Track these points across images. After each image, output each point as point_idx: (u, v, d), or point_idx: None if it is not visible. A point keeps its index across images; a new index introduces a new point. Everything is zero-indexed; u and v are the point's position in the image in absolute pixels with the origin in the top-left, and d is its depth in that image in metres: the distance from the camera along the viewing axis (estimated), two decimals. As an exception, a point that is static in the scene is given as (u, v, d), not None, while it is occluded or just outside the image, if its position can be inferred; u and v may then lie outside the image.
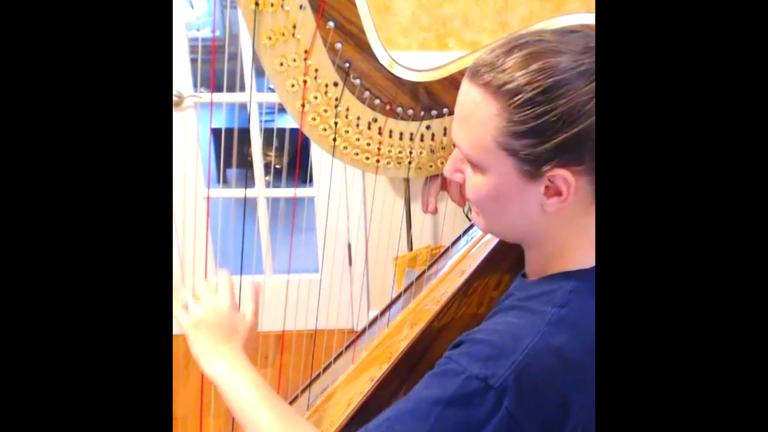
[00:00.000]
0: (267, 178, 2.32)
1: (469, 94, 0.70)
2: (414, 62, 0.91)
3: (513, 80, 0.66)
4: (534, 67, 0.65)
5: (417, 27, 2.06)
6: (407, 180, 2.06)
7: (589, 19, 0.87)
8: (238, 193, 2.40)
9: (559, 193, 0.69)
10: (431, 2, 2.04)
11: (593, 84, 0.65)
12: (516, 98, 0.66)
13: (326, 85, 0.88)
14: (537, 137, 0.66)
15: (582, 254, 0.74)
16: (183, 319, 0.86)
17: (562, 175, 0.68)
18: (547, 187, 0.70)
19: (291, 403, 1.10)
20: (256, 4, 0.81)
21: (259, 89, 2.26)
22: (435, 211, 0.97)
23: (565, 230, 0.74)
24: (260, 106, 2.34)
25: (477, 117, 0.69)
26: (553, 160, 0.67)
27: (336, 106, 0.89)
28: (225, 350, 0.82)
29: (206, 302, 0.87)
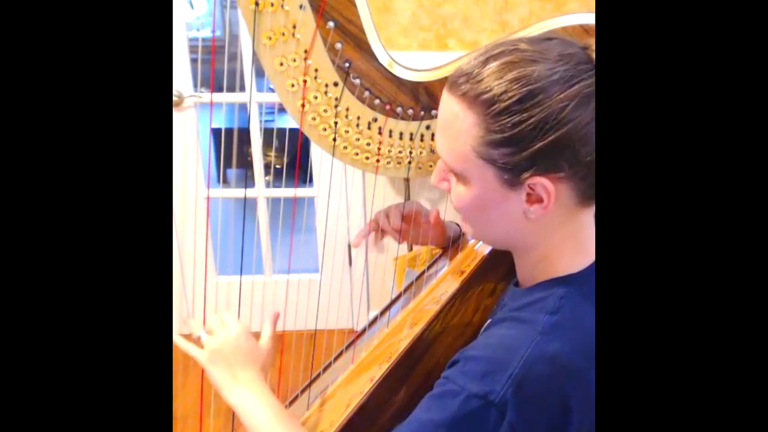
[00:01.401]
0: (267, 178, 2.32)
1: (448, 104, 0.70)
2: (414, 62, 0.91)
3: (489, 90, 0.66)
4: (509, 76, 0.66)
5: (417, 27, 2.06)
6: (407, 180, 2.06)
7: (589, 18, 0.87)
8: (238, 193, 2.40)
9: (540, 200, 0.70)
10: (431, 2, 2.04)
11: (568, 91, 0.65)
12: (492, 108, 0.66)
13: (326, 85, 0.88)
14: (514, 146, 0.67)
15: (570, 259, 0.74)
16: (198, 354, 0.89)
17: (541, 182, 0.68)
18: (528, 194, 0.70)
19: (291, 403, 1.10)
20: (256, 4, 0.81)
21: (259, 89, 2.26)
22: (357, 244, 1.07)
23: (551, 237, 0.74)
24: (260, 106, 2.34)
25: (456, 127, 0.69)
26: (531, 168, 0.67)
27: (336, 106, 0.89)
28: (242, 377, 0.85)
29: (218, 334, 0.89)
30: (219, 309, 0.94)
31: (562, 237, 0.74)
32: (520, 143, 0.66)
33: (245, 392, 0.84)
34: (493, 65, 0.67)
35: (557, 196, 0.69)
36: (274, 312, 0.96)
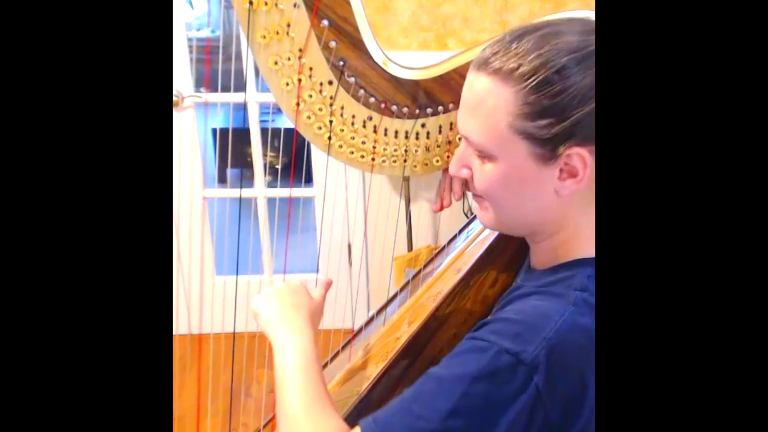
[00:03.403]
0: (267, 178, 2.32)
1: (478, 83, 0.71)
2: (414, 62, 0.91)
3: (526, 63, 0.67)
4: (546, 48, 0.67)
5: (417, 27, 2.06)
6: (407, 179, 2.06)
7: (589, 14, 0.87)
8: (237, 193, 2.40)
9: (573, 175, 0.70)
10: (431, 2, 2.04)
11: None
12: (531, 80, 0.67)
13: (321, 84, 0.88)
14: (555, 116, 0.67)
15: (591, 244, 0.74)
16: (253, 301, 0.90)
17: (579, 153, 0.69)
18: (561, 170, 0.70)
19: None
20: (250, 3, 0.81)
21: (261, 89, 2.26)
22: (446, 206, 0.97)
23: (577, 215, 0.74)
24: (261, 106, 2.34)
25: (489, 104, 0.70)
26: (570, 138, 0.68)
27: (331, 105, 0.89)
28: (290, 316, 0.85)
29: (276, 283, 0.91)
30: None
31: (586, 216, 0.74)
32: (561, 113, 0.67)
33: (289, 335, 0.82)
34: (528, 38, 0.68)
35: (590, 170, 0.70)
36: (329, 279, 0.98)
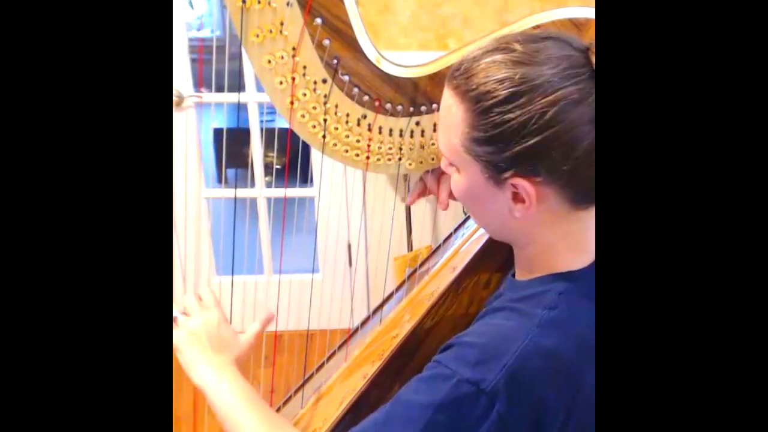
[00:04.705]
0: (267, 178, 2.32)
1: (445, 96, 0.71)
2: (414, 62, 0.91)
3: (477, 87, 0.66)
4: (497, 76, 0.66)
5: (417, 27, 2.06)
6: (407, 179, 2.06)
7: (578, 13, 0.87)
8: (238, 193, 2.40)
9: (522, 201, 0.70)
10: (431, 2, 2.04)
11: (550, 97, 0.64)
12: (478, 105, 0.66)
13: (315, 82, 0.88)
14: (495, 146, 0.67)
15: (570, 257, 0.74)
16: (174, 333, 0.87)
17: (521, 184, 0.68)
18: (514, 193, 0.70)
19: (285, 403, 1.10)
20: (243, 1, 0.81)
21: (260, 89, 2.27)
22: (411, 202, 1.04)
23: (545, 235, 0.73)
24: (260, 106, 2.34)
25: (449, 119, 0.70)
26: (511, 169, 0.68)
27: (325, 103, 0.89)
28: (215, 359, 0.84)
29: (197, 316, 0.88)
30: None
31: (559, 235, 0.73)
32: (500, 144, 0.66)
33: (214, 373, 0.82)
34: (484, 62, 0.67)
35: (543, 199, 0.69)
36: (270, 313, 0.94)
